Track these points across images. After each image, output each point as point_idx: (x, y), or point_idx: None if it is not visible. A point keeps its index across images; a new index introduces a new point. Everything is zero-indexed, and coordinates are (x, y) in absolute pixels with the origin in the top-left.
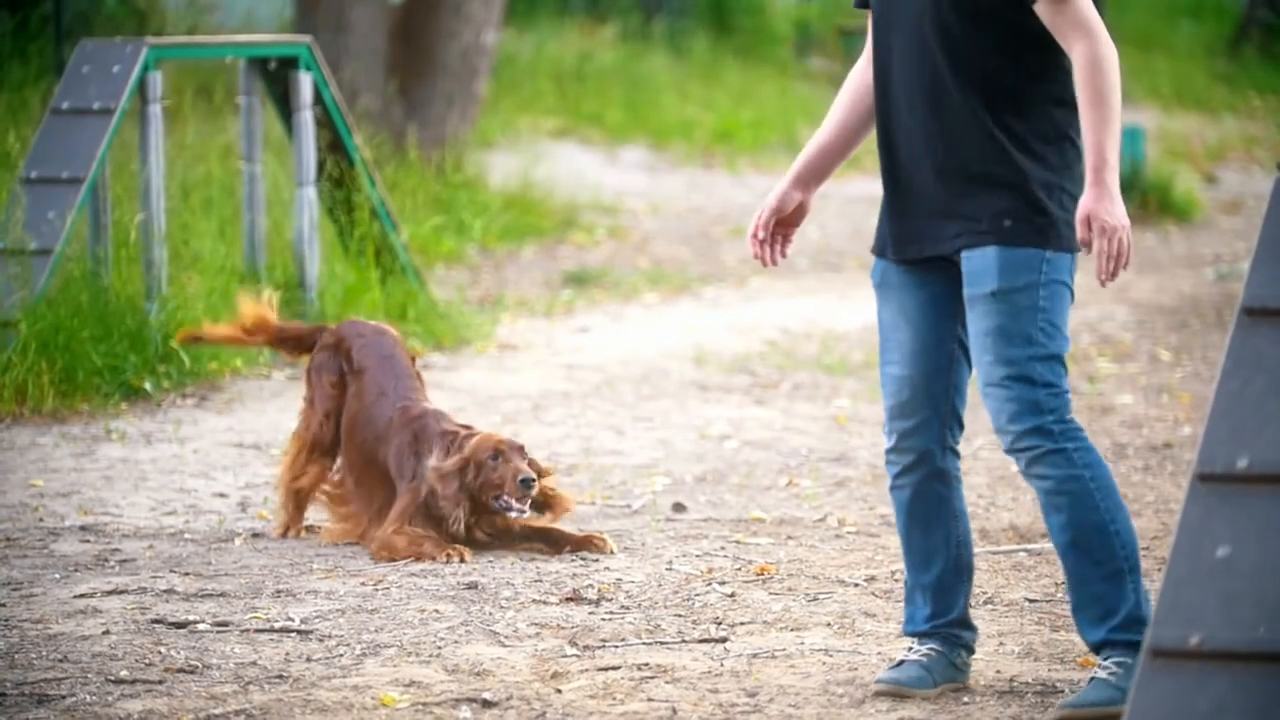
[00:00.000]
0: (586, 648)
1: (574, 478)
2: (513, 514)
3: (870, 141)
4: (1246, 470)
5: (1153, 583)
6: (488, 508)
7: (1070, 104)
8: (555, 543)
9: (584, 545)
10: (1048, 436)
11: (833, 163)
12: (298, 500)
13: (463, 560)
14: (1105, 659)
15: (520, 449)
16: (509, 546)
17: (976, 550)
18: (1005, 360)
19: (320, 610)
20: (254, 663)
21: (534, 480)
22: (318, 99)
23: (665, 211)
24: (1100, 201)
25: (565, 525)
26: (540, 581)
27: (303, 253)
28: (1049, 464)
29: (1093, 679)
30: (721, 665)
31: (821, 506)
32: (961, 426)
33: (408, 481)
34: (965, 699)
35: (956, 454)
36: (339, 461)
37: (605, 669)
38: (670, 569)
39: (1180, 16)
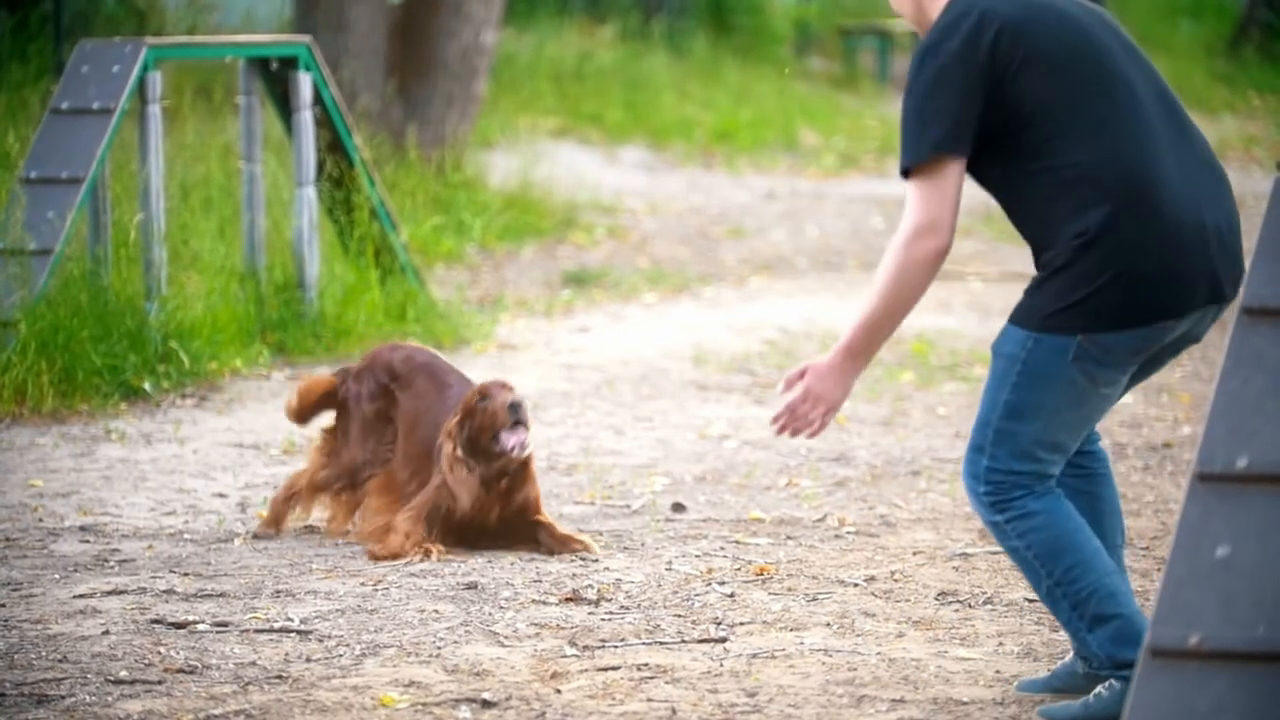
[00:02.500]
0: (586, 648)
1: (574, 478)
2: (513, 451)
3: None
4: (1246, 470)
5: (1152, 582)
6: (491, 455)
7: (1074, 190)
8: (545, 543)
9: (565, 545)
10: (982, 506)
11: None
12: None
13: (427, 557)
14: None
15: (505, 385)
16: (510, 543)
17: (975, 550)
18: (979, 411)
19: (320, 610)
20: (253, 663)
21: (521, 403)
22: (317, 99)
23: (664, 211)
24: (817, 367)
25: (560, 525)
26: (540, 582)
27: (302, 253)
28: (990, 531)
29: (1096, 693)
30: (721, 665)
31: (821, 506)
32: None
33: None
34: (965, 699)
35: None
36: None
37: (605, 669)
38: (670, 569)
39: (1180, 16)
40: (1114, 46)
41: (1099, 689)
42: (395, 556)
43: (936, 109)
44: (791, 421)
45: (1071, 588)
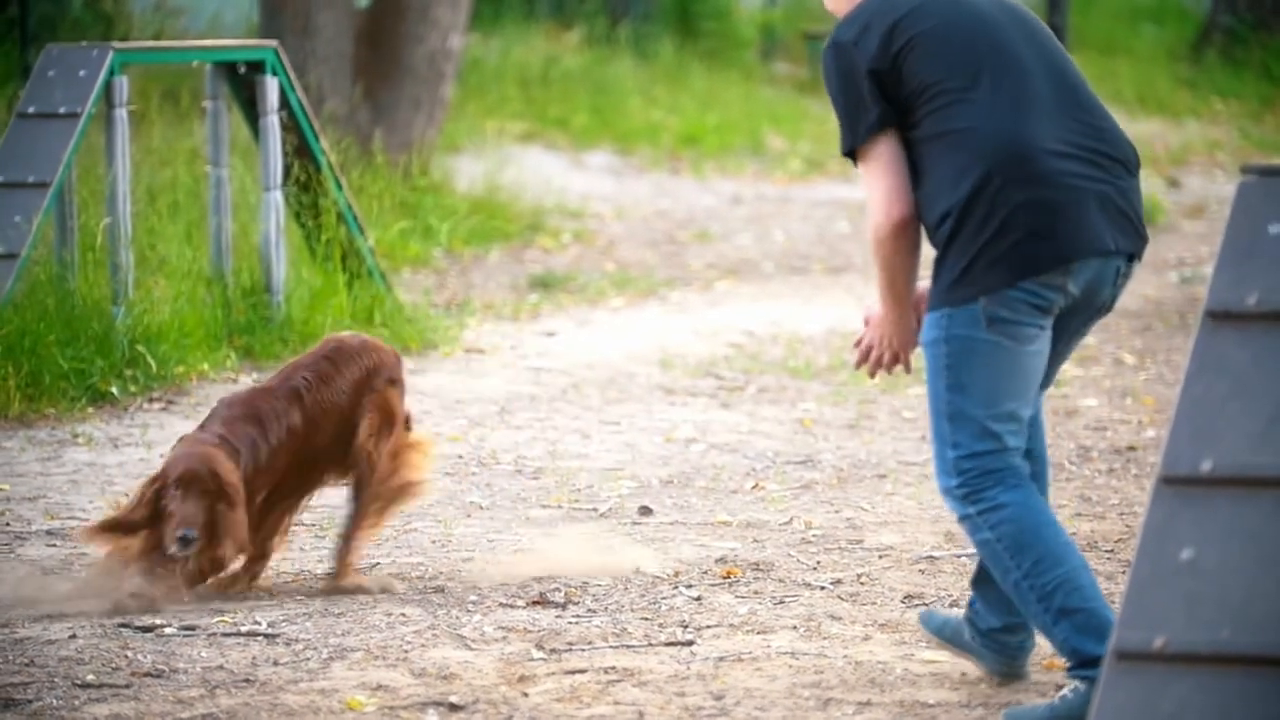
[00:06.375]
0: (553, 651)
1: (540, 481)
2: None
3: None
4: (1210, 473)
5: (1117, 585)
6: None
7: (954, 158)
8: None
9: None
10: (955, 501)
11: None
12: None
13: None
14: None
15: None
16: None
17: (941, 553)
18: (929, 413)
19: (287, 614)
20: (221, 666)
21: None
22: (284, 103)
23: (631, 215)
24: (874, 316)
25: None
26: (507, 585)
27: (269, 257)
28: (963, 526)
29: (1061, 695)
30: (688, 668)
31: (787, 510)
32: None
33: None
34: (931, 701)
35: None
36: None
37: (572, 672)
38: (637, 572)
39: (1142, 21)
40: (1006, 26)
41: (1064, 691)
42: None
43: (859, 95)
44: (867, 362)
45: (1038, 580)
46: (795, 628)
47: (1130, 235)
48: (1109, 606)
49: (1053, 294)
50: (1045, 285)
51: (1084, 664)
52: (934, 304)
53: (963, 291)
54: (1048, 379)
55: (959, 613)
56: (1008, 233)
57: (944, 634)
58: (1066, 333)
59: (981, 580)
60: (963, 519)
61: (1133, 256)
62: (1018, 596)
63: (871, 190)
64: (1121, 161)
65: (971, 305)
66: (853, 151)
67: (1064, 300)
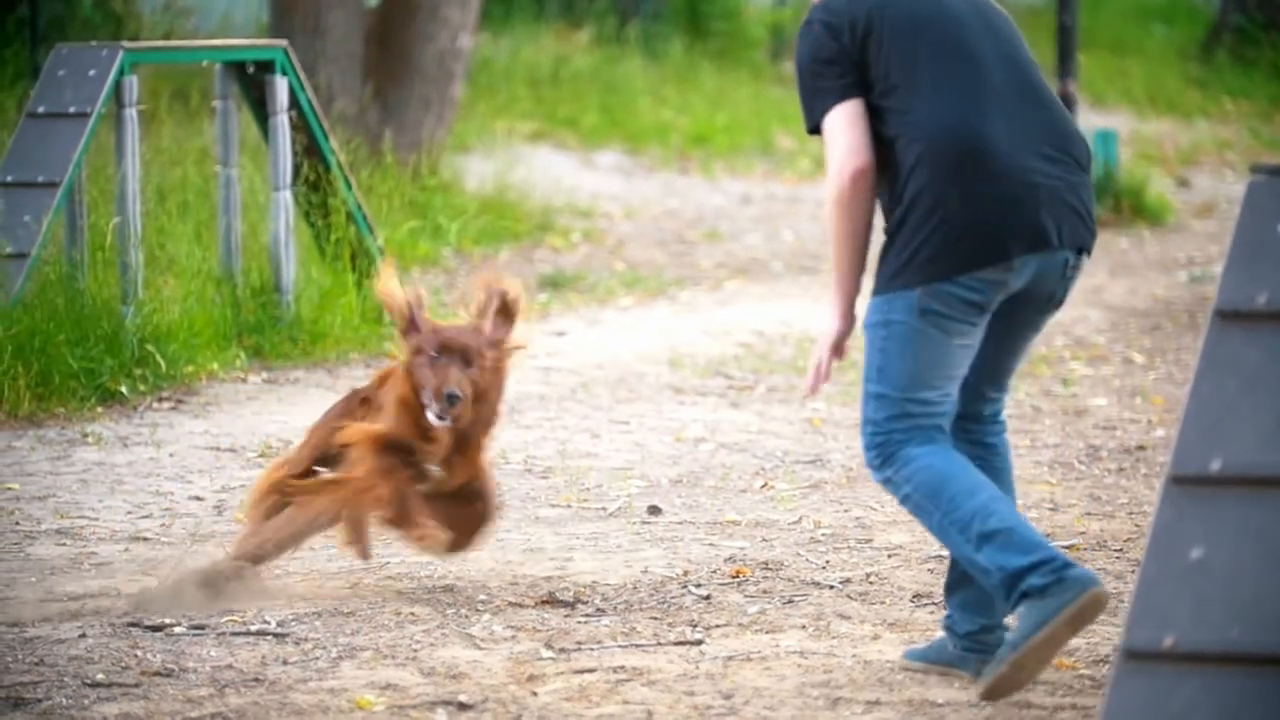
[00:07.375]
0: (562, 650)
1: (550, 480)
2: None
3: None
4: (1220, 472)
5: (1126, 585)
6: None
7: (908, 151)
8: None
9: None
10: (873, 468)
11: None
12: None
13: None
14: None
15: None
16: None
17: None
18: (861, 393)
19: (296, 613)
20: (230, 666)
21: None
22: (294, 103)
23: (641, 215)
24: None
25: None
26: (516, 584)
27: (279, 256)
28: (889, 491)
29: (1013, 628)
30: (697, 668)
31: (796, 509)
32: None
33: None
34: (940, 701)
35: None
36: None
37: (581, 671)
38: (646, 571)
39: (1152, 20)
40: (969, 21)
41: (1013, 624)
42: None
43: (824, 72)
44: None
45: (955, 514)
46: (804, 627)
47: (1080, 230)
48: (1030, 526)
49: (990, 289)
50: (983, 280)
51: (1012, 580)
52: (877, 289)
53: (902, 279)
54: (1004, 372)
55: (937, 634)
56: (952, 226)
57: (930, 658)
58: (1018, 324)
59: (953, 587)
60: (885, 484)
61: (1082, 250)
62: (942, 537)
63: (832, 146)
64: (1074, 157)
65: (909, 292)
66: (818, 127)
67: (1002, 295)
